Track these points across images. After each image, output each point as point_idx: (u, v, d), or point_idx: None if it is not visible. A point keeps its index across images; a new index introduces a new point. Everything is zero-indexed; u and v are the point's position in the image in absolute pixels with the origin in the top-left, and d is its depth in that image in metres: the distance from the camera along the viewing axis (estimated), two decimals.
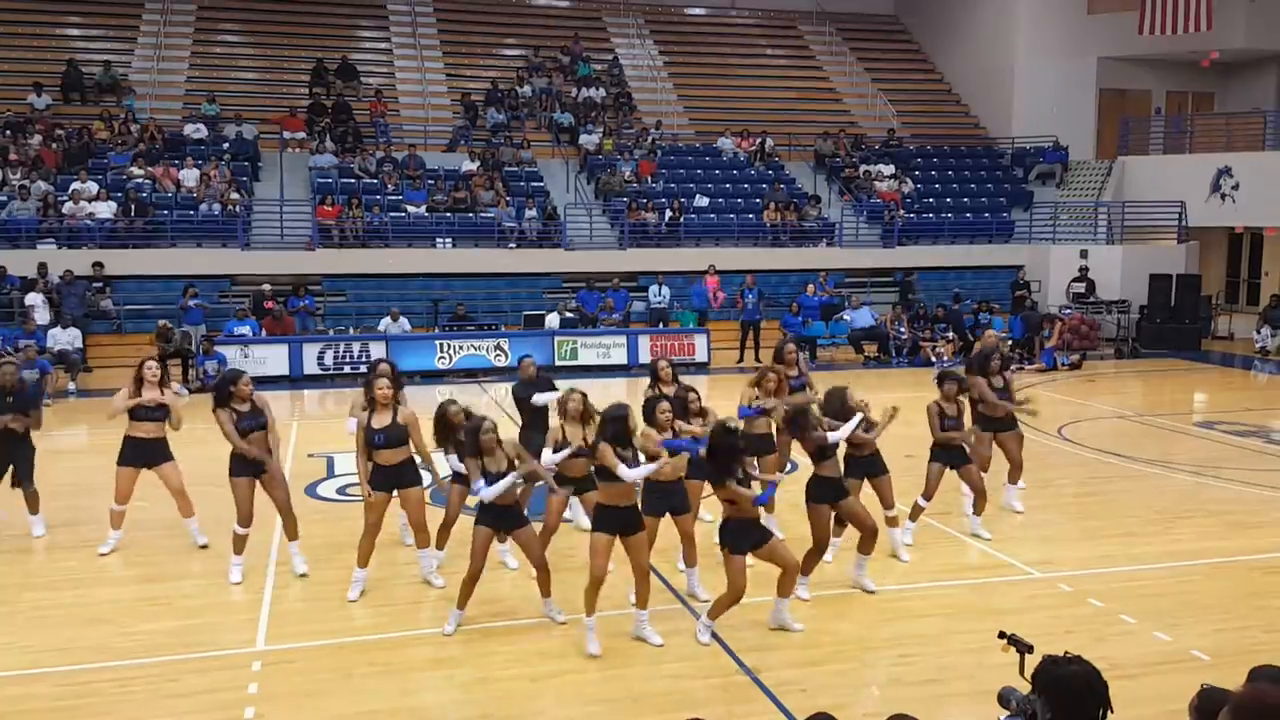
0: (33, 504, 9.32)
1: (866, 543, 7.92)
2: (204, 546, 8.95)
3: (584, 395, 7.93)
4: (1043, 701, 3.23)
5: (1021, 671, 3.59)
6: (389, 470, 7.89)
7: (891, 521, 8.69)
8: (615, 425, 6.90)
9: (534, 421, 9.43)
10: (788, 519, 9.02)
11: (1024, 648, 3.79)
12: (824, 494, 7.75)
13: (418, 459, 8.07)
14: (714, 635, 7.21)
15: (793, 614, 7.34)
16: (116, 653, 7.08)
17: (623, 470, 6.76)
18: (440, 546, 8.47)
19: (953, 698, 6.34)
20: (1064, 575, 8.51)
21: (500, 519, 7.24)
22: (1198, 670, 6.58)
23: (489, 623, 7.49)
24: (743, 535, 6.90)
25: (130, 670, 6.81)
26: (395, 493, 7.99)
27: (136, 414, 8.73)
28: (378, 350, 18.63)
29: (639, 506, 7.07)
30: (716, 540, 8.70)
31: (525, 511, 8.72)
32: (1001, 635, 3.93)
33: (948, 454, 9.15)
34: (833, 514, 7.86)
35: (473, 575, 7.17)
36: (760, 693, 6.45)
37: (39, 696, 6.43)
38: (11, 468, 9.16)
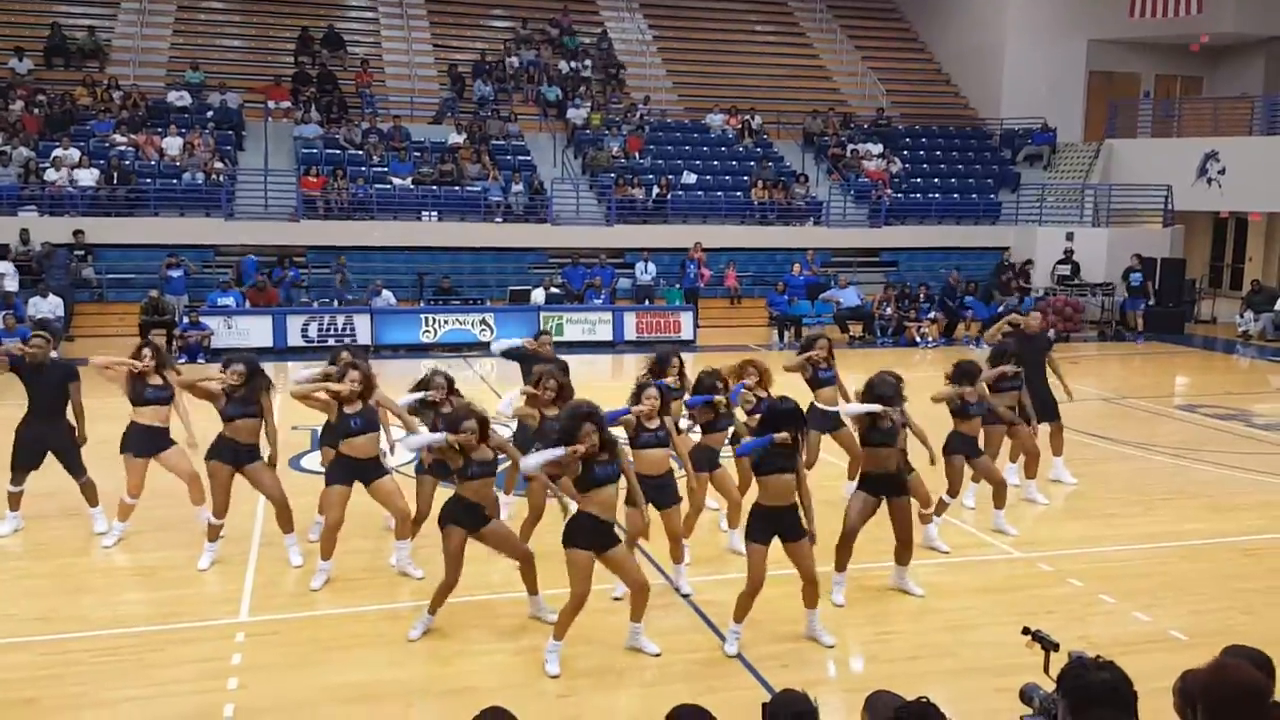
0: (90, 495, 8.81)
1: (902, 553, 7.56)
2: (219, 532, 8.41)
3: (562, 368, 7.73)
4: (1065, 705, 3.16)
5: (1046, 669, 3.56)
6: (355, 463, 7.58)
7: (924, 518, 8.42)
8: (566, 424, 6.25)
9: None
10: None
11: (1049, 645, 3.72)
12: (872, 487, 7.40)
13: (386, 437, 7.85)
14: (698, 611, 7.24)
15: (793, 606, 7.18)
16: (99, 622, 7.07)
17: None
18: (412, 538, 7.97)
19: (932, 675, 6.39)
20: (1044, 555, 8.58)
21: (469, 516, 6.70)
22: (1176, 650, 6.66)
23: (472, 596, 7.49)
24: (766, 524, 6.55)
25: (113, 640, 6.80)
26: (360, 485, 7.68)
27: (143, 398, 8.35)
28: (362, 323, 18.58)
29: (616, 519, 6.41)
30: (724, 528, 8.72)
31: (510, 493, 8.55)
32: (1025, 631, 3.84)
33: (966, 444, 8.80)
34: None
35: (450, 584, 6.73)
36: (742, 667, 6.49)
37: (21, 666, 6.42)
38: (54, 456, 8.70)
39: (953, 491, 8.82)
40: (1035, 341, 10.61)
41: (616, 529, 6.49)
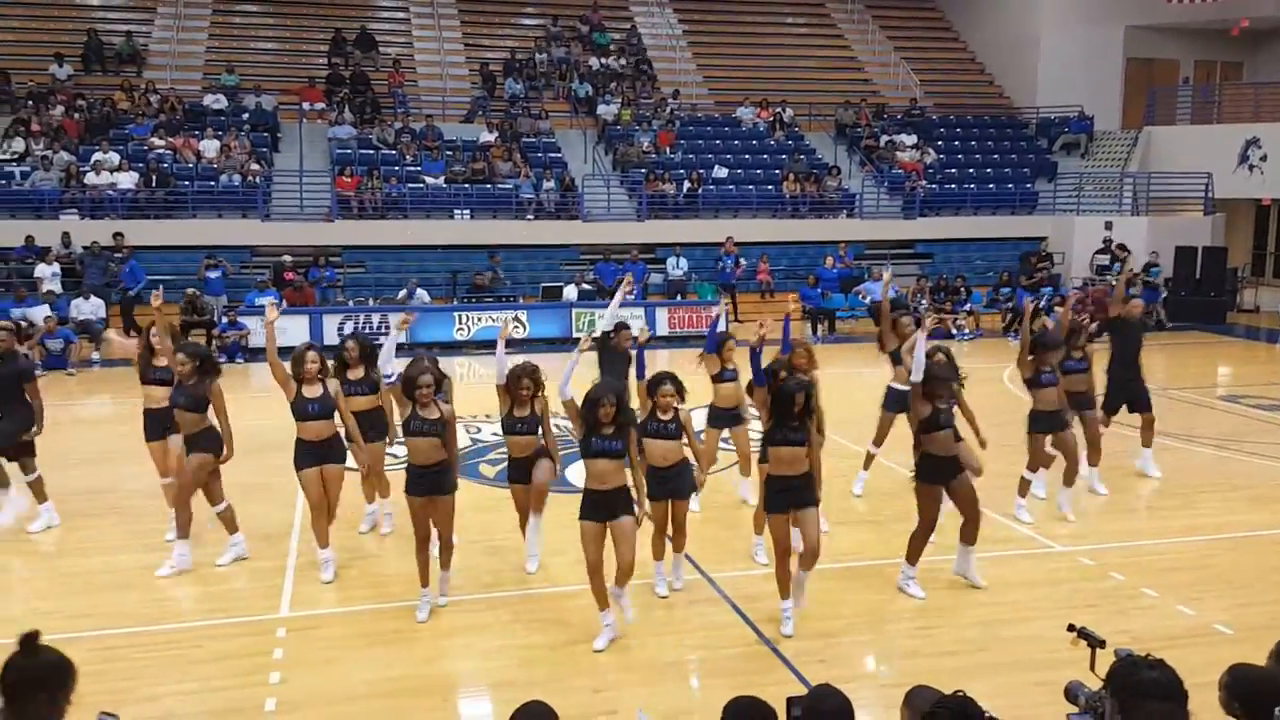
0: (37, 490, 8.86)
1: (969, 530, 7.51)
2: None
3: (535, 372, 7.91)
4: (1114, 703, 3.09)
5: (1092, 667, 3.50)
6: (311, 446, 7.63)
7: None
8: (589, 410, 6.48)
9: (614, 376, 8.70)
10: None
11: (1095, 642, 3.66)
12: (935, 473, 7.34)
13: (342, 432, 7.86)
14: (735, 608, 7.22)
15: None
16: (143, 618, 7.16)
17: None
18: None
19: (971, 669, 6.33)
20: (1085, 549, 8.48)
21: (414, 481, 6.98)
22: (1221, 644, 6.56)
23: (509, 591, 7.54)
24: (780, 493, 6.72)
25: (156, 635, 6.89)
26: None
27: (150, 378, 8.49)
28: (396, 321, 18.65)
29: (629, 490, 6.60)
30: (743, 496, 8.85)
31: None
32: (1071, 629, 3.78)
33: (1045, 420, 8.92)
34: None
35: (420, 542, 7.05)
36: (779, 662, 6.47)
37: None
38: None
39: (1033, 466, 9.03)
40: (1134, 329, 10.36)
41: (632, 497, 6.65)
